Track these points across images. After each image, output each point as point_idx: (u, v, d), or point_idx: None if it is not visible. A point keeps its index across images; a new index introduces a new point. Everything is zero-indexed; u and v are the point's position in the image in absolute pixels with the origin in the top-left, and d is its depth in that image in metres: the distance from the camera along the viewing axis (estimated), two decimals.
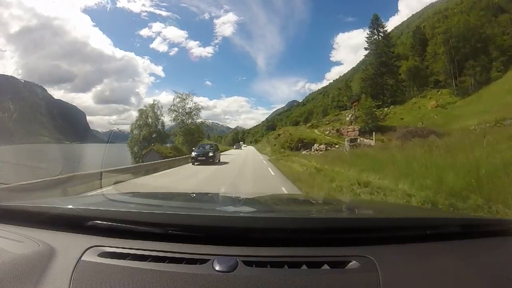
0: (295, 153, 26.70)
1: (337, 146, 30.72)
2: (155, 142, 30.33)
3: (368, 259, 0.78)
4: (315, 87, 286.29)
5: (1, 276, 0.70)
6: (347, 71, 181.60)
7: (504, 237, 1.03)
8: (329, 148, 29.77)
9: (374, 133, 16.83)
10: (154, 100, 31.95)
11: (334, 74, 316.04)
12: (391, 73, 45.02)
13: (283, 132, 37.84)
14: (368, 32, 47.79)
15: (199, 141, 37.27)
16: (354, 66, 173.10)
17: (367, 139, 18.45)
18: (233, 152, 38.38)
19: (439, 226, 1.06)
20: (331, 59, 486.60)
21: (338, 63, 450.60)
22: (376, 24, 47.78)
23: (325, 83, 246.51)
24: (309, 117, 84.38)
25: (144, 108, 32.13)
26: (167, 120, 30.96)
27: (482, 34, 42.54)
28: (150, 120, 32.12)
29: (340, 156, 16.34)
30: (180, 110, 30.24)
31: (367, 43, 47.53)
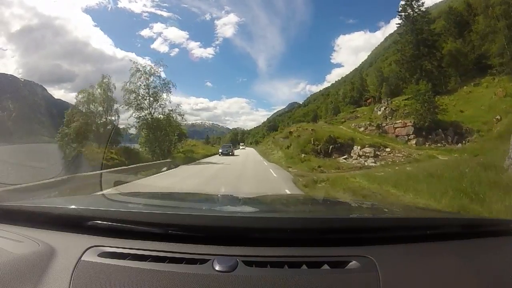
0: (331, 162, 14.47)
1: (388, 149, 18.49)
2: (99, 141, 18.18)
3: (368, 259, 0.74)
4: (316, 89, 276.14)
5: (1, 276, 0.67)
6: (348, 72, 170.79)
7: (504, 237, 0.98)
8: (378, 152, 17.58)
9: None
10: (104, 76, 19.65)
11: (334, 76, 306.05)
12: (432, 55, 32.94)
13: (297, 129, 25.52)
14: (400, 6, 35.69)
15: (181, 140, 25.10)
16: (357, 67, 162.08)
17: None
18: (217, 160, 20.08)
19: (439, 226, 1.02)
20: (332, 61, 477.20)
21: (339, 65, 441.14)
22: None
23: (325, 84, 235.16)
24: (315, 116, 72.00)
25: (90, 89, 19.81)
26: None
27: None
28: (98, 107, 19.86)
29: None
30: (141, 91, 17.89)
31: (399, 18, 35.43)
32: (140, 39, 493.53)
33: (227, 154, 27.00)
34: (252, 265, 0.71)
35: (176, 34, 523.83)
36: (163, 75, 21.84)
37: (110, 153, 15.85)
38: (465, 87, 32.78)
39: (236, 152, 34.62)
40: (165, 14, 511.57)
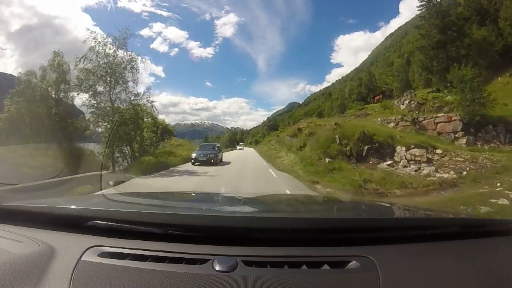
0: (381, 173, 9.23)
1: (438, 151, 13.24)
2: (47, 138, 13.01)
3: (368, 259, 0.72)
4: (316, 88, 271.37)
5: (1, 276, 0.65)
6: (349, 72, 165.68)
7: (504, 237, 0.94)
8: (428, 155, 12.35)
9: None
10: (55, 54, 14.28)
11: (334, 76, 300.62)
12: (460, 41, 27.81)
13: (308, 125, 20.21)
14: None
15: (163, 139, 19.87)
16: (357, 66, 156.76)
17: None
18: (200, 168, 12.89)
19: (439, 226, 0.99)
20: (332, 61, 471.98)
21: (339, 65, 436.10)
22: None
23: (325, 84, 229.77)
24: (320, 114, 66.58)
25: (38, 72, 14.48)
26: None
27: None
28: (50, 92, 14.62)
29: None
30: (98, 71, 12.35)
31: (420, 0, 30.23)
32: (139, 38, 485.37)
33: (208, 163, 14.26)
34: (252, 265, 0.69)
35: (175, 33, 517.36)
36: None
37: (45, 156, 10.56)
38: (499, 78, 27.81)
39: (232, 154, 27.30)
40: (164, 13, 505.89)
